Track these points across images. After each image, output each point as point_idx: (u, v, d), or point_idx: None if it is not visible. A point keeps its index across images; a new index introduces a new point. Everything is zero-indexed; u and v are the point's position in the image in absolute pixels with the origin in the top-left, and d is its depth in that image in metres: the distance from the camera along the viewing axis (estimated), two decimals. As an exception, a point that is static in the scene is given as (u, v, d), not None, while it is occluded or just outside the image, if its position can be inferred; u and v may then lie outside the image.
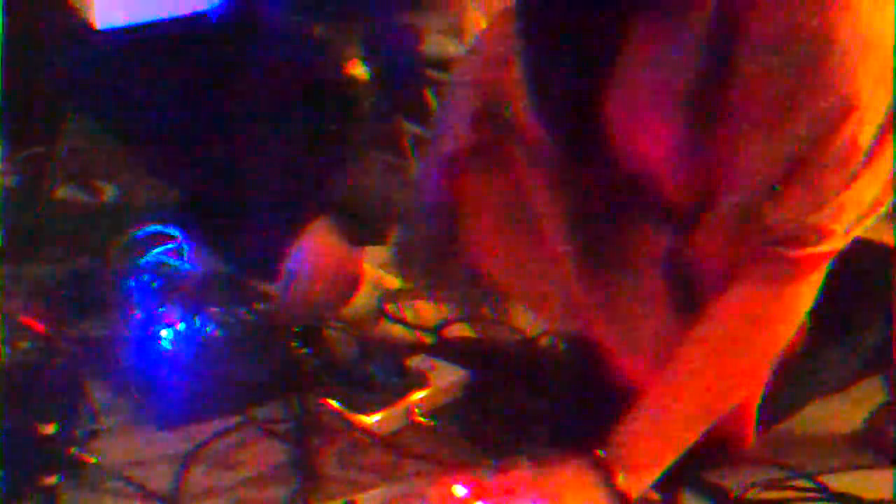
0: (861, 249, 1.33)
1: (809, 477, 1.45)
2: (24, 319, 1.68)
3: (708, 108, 1.27)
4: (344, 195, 1.76)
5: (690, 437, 1.31)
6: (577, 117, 1.37)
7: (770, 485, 1.44)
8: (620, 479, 1.27)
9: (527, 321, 1.76)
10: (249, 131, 1.97)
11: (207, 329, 1.67)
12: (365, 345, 1.69)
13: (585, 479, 1.28)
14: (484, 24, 1.77)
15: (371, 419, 1.53)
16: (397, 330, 1.79)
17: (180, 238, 1.82)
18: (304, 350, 1.65)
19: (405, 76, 1.85)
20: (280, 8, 1.89)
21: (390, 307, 1.82)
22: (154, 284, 1.74)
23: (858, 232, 1.29)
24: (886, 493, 1.41)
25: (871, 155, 1.26)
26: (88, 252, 1.94)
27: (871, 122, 1.24)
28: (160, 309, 1.68)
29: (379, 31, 1.83)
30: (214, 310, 1.70)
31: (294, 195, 1.84)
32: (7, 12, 1.95)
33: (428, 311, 1.82)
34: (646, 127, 1.32)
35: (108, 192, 2.23)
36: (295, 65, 1.86)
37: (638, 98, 1.32)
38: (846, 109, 1.23)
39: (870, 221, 1.30)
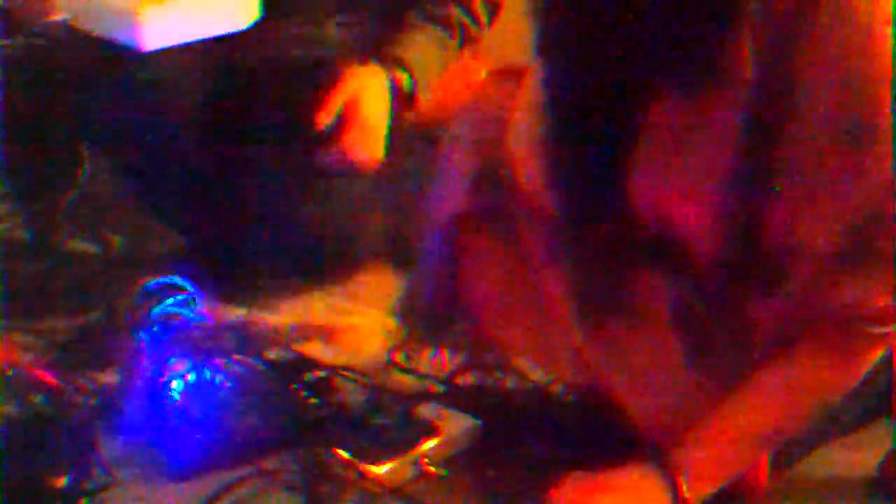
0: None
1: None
2: (36, 372, 1.68)
3: (754, 179, 1.27)
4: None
5: (754, 457, 1.35)
6: (598, 188, 1.38)
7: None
8: (684, 487, 1.30)
9: (536, 371, 1.75)
10: (261, 175, 1.99)
11: (217, 380, 1.67)
12: (374, 394, 1.69)
13: (651, 482, 1.32)
14: (483, 74, 1.77)
15: (381, 469, 1.53)
16: (406, 379, 1.79)
17: (190, 289, 1.82)
18: (314, 400, 1.65)
19: None
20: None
21: (399, 356, 1.83)
22: (164, 336, 1.75)
23: None
24: (898, 540, 1.41)
25: None
26: (99, 304, 1.95)
27: None
28: (170, 360, 1.68)
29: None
30: (224, 360, 1.70)
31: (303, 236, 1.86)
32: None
33: (437, 359, 1.82)
34: (677, 195, 1.32)
35: (117, 242, 2.24)
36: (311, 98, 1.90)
37: (668, 168, 1.32)
38: None
39: None
